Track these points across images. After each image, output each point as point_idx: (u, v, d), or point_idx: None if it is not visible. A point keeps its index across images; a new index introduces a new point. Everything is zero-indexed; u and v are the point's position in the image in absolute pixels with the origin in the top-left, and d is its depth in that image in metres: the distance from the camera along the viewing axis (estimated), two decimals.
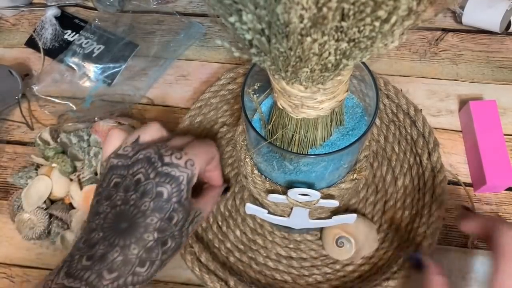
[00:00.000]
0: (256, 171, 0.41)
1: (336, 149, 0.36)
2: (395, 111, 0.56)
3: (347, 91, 0.34)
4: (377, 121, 0.57)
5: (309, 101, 0.32)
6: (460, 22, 0.64)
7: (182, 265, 0.51)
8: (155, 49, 0.64)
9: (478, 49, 0.64)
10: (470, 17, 0.63)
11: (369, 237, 0.50)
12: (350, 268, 0.50)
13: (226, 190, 0.48)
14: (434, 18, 0.65)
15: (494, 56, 0.63)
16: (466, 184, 0.54)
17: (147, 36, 0.66)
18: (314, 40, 0.25)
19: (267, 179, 0.41)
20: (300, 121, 0.34)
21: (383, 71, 0.62)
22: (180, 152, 0.36)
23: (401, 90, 0.57)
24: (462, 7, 0.63)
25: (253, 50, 0.28)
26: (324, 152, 0.37)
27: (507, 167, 0.51)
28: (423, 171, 0.53)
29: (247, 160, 0.41)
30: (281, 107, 0.34)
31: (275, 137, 0.36)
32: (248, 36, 0.26)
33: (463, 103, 0.59)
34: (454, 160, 0.56)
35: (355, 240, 0.49)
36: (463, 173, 0.55)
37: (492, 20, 0.62)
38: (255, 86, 0.36)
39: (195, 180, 0.37)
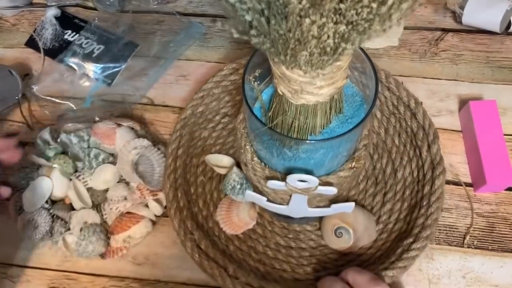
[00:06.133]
0: (256, 158, 0.41)
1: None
2: (396, 103, 0.56)
3: (346, 78, 0.35)
4: (378, 114, 0.57)
5: (309, 87, 0.32)
6: (460, 22, 0.64)
7: (182, 265, 0.51)
8: (155, 49, 0.64)
9: (478, 49, 0.64)
10: (470, 17, 0.63)
11: (368, 228, 0.50)
12: (348, 258, 0.50)
13: None
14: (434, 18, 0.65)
15: (494, 56, 0.63)
16: (466, 184, 0.54)
17: (147, 36, 0.66)
18: (313, 22, 0.25)
19: (267, 166, 0.41)
20: (300, 107, 0.35)
21: None
22: None
23: (402, 83, 0.57)
24: (462, 7, 0.63)
25: (253, 32, 0.28)
26: (322, 138, 0.37)
27: (507, 167, 0.51)
28: (423, 163, 0.53)
29: (247, 147, 0.41)
30: (281, 93, 0.34)
31: (275, 122, 0.37)
32: (248, 17, 0.27)
33: (463, 103, 0.59)
34: (454, 160, 0.56)
35: (353, 230, 0.49)
36: (463, 173, 0.55)
37: (492, 20, 0.62)
38: (256, 73, 0.37)
39: None
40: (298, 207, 0.43)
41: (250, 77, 0.36)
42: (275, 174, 0.40)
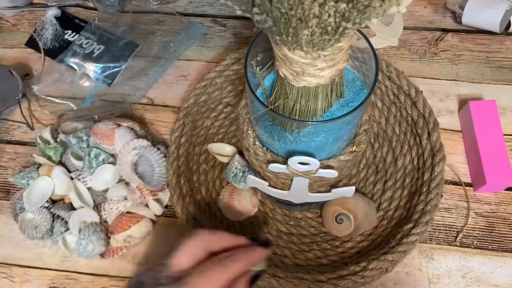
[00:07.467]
0: (257, 143, 0.42)
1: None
2: (396, 92, 0.57)
3: (347, 60, 0.35)
4: (379, 103, 0.58)
5: (310, 68, 0.33)
6: (460, 22, 0.64)
7: None
8: (155, 49, 0.64)
9: (477, 49, 0.64)
10: (470, 17, 0.63)
11: (368, 214, 0.50)
12: (349, 244, 0.51)
13: (256, 277, 0.40)
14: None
15: (494, 56, 0.63)
16: (466, 184, 0.54)
17: (147, 36, 0.66)
18: (314, 0, 0.26)
19: (268, 150, 0.41)
20: (301, 89, 0.35)
21: None
22: (177, 284, 0.33)
23: (403, 72, 0.57)
24: (462, 7, 0.63)
25: (256, 10, 0.29)
26: (322, 120, 0.37)
27: (506, 167, 0.51)
28: (423, 151, 0.53)
29: (249, 132, 0.41)
30: (282, 75, 0.35)
31: (276, 104, 0.37)
32: None
33: (463, 103, 0.59)
34: (454, 160, 0.56)
35: (354, 217, 0.49)
36: (463, 173, 0.55)
37: (491, 20, 0.62)
38: (258, 57, 0.37)
39: None
40: (299, 192, 0.44)
41: (252, 62, 0.37)
42: (277, 158, 0.41)
